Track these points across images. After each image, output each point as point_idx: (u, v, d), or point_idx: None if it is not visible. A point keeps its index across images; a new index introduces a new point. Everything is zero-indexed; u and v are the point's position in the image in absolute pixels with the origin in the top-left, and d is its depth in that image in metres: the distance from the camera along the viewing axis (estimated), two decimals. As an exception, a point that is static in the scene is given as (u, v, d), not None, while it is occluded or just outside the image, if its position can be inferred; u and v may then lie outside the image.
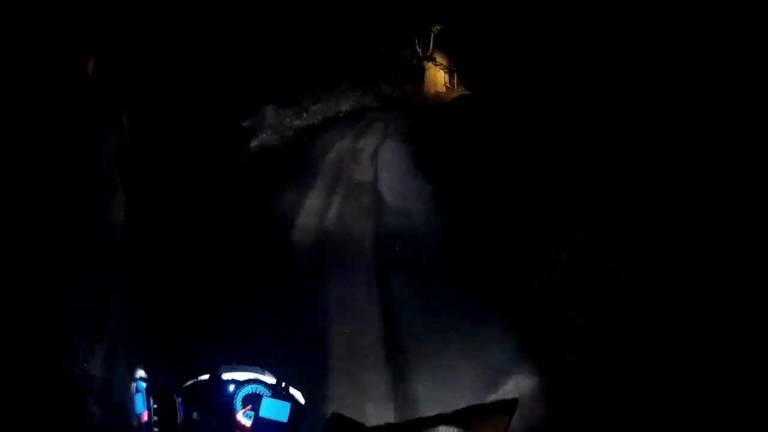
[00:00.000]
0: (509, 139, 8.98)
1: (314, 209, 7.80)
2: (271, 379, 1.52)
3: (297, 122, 13.31)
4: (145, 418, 1.32)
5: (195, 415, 1.45)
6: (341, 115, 16.23)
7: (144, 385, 1.36)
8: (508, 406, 1.38)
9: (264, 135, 11.54)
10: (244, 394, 1.45)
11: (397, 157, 10.43)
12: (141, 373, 1.39)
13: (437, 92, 29.02)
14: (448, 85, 30.49)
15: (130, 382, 1.39)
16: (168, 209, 6.14)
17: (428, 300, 5.73)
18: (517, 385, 4.60)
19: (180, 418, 1.36)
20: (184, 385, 1.51)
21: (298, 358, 4.70)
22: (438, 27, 26.41)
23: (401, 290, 5.87)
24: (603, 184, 6.28)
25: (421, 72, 26.58)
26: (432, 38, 27.84)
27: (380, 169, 10.02)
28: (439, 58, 32.62)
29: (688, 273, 4.67)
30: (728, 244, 4.54)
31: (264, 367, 1.55)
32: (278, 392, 1.46)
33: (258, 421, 1.41)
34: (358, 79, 20.59)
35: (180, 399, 1.39)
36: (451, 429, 1.31)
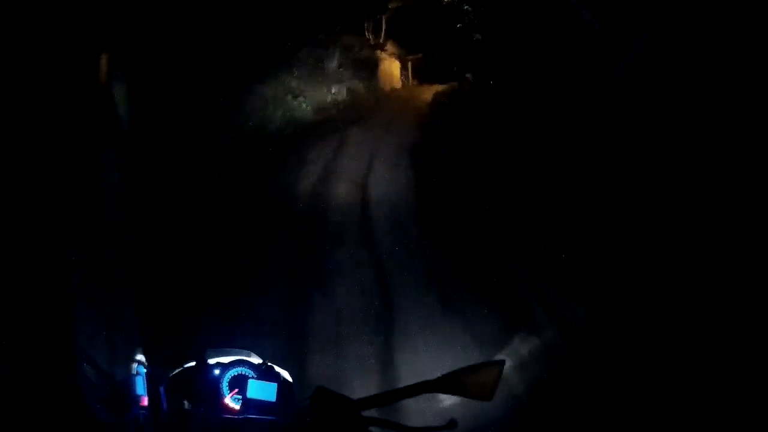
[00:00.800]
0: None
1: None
2: (256, 360, 1.56)
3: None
4: (146, 401, 1.34)
5: (185, 404, 1.46)
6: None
7: (144, 369, 1.37)
8: (496, 364, 1.39)
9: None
10: (230, 377, 1.49)
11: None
12: (140, 357, 1.39)
13: (393, 89, 22.24)
14: (403, 79, 24.13)
15: (130, 365, 1.39)
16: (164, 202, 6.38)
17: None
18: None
19: (164, 408, 1.34)
20: (171, 374, 1.52)
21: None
22: (395, 4, 19.54)
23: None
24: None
25: (372, 65, 19.37)
26: (384, 21, 20.90)
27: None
28: (392, 47, 25.49)
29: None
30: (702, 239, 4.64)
31: (250, 348, 1.56)
32: (264, 373, 1.50)
33: (246, 402, 1.45)
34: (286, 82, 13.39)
35: (162, 388, 1.37)
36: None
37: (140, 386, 1.30)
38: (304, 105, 12.65)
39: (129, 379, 1.31)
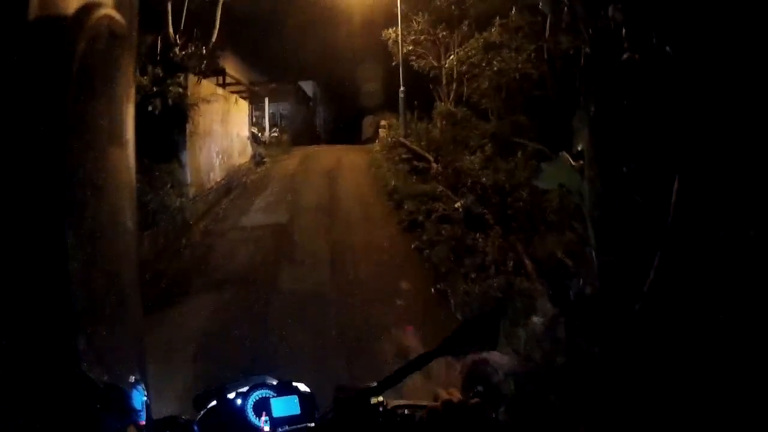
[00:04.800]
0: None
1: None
2: (272, 380, 1.51)
3: None
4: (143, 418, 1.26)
5: None
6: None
7: (144, 393, 1.29)
8: (495, 312, 1.37)
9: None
10: (252, 404, 1.43)
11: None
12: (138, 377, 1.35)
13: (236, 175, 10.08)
14: (256, 140, 12.48)
15: (127, 380, 1.33)
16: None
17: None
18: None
19: None
20: (198, 418, 1.45)
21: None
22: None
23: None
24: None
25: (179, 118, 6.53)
26: (220, 5, 8.56)
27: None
28: (233, 68, 12.86)
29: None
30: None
31: (265, 372, 1.56)
32: (282, 389, 1.45)
33: (274, 422, 1.41)
34: None
35: (197, 429, 1.37)
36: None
37: (137, 399, 1.17)
38: None
39: (124, 389, 1.18)
